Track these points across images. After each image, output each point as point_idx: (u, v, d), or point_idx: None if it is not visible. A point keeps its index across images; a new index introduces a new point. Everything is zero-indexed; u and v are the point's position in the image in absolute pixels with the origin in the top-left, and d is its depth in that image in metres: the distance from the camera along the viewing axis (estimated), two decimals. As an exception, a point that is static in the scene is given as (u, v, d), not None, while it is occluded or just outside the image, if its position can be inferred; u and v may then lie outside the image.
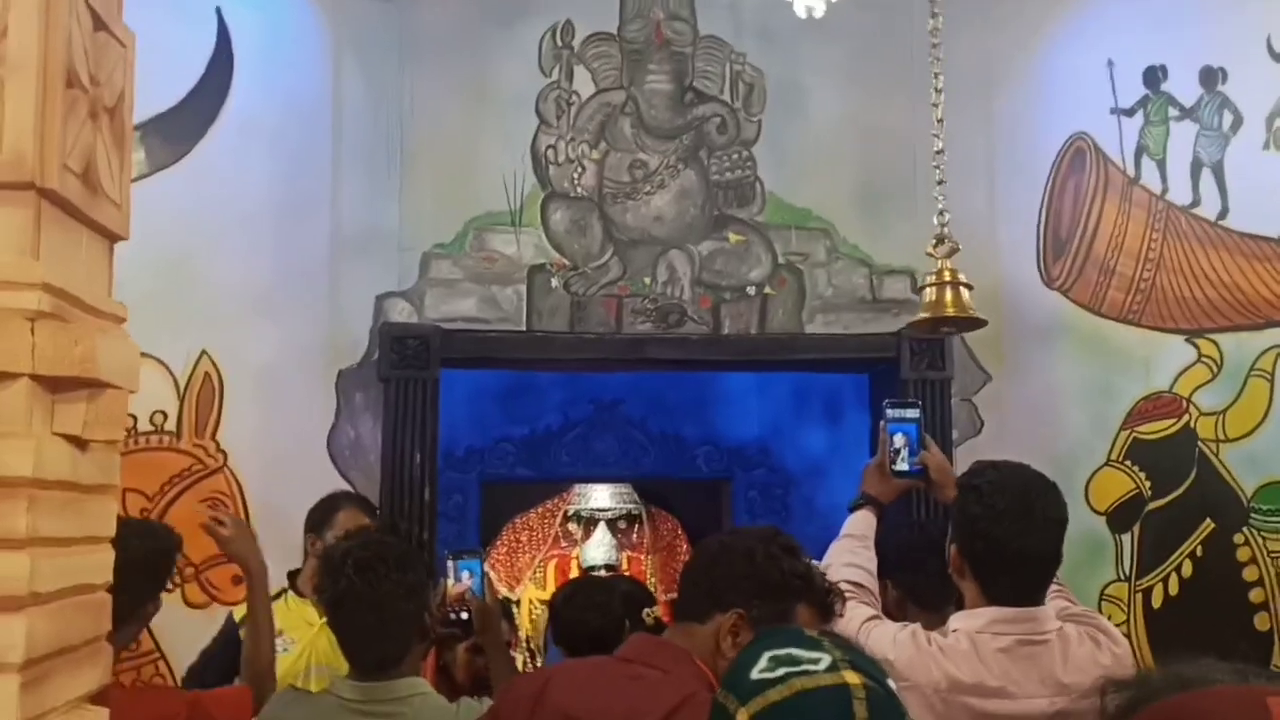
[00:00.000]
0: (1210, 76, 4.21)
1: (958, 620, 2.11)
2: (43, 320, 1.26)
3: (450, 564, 2.64)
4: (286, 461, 3.79)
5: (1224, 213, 4.21)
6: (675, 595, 6.49)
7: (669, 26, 4.10)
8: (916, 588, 2.64)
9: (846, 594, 2.04)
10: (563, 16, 4.05)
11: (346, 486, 3.79)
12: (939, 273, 2.59)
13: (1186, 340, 4.15)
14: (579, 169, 4.03)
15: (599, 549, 6.34)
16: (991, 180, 4.07)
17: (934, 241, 2.67)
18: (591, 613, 2.97)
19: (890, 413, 2.42)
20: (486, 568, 2.66)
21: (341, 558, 2.17)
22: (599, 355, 4.01)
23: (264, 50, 3.87)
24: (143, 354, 3.24)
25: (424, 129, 3.97)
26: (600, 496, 6.39)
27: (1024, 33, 4.21)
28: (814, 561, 2.01)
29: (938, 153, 2.77)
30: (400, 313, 3.91)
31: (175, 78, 3.75)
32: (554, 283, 3.97)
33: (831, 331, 4.05)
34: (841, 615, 1.97)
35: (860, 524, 2.41)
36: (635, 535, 6.42)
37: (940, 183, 2.78)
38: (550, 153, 4.02)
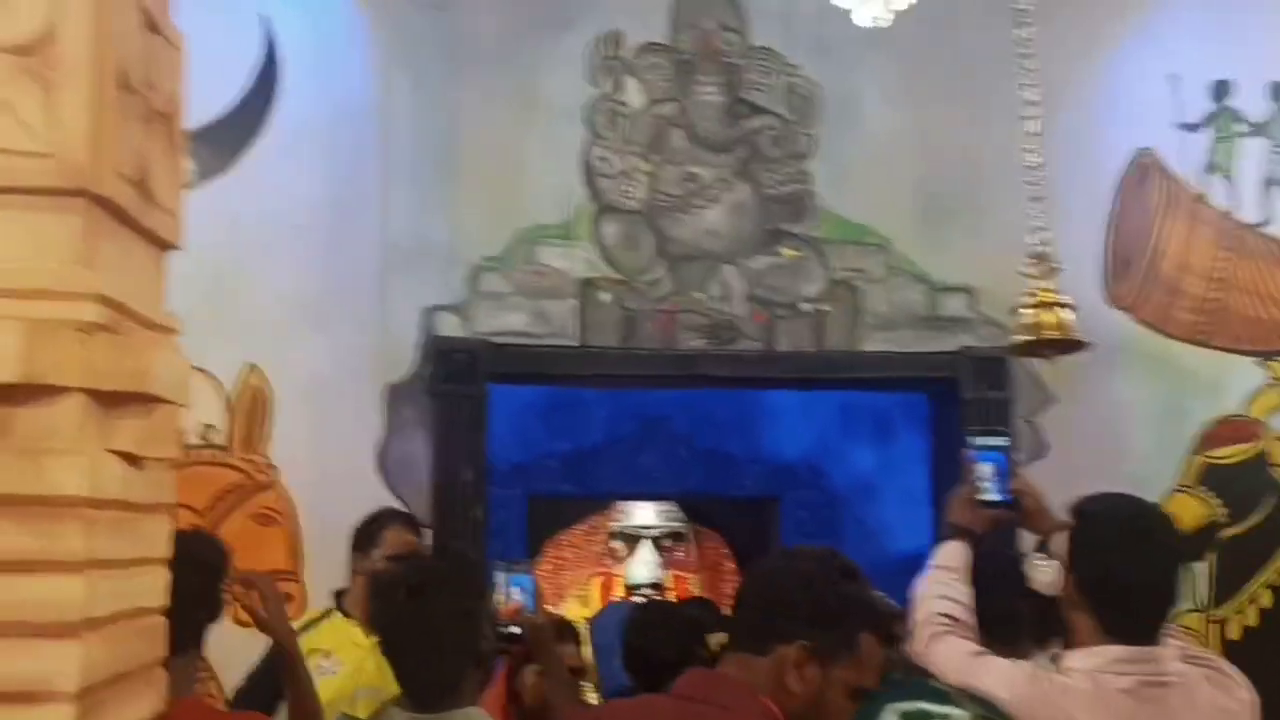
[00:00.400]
0: (1281, 91, 4.10)
1: (1075, 659, 2.01)
2: (96, 333, 1.21)
3: (502, 577, 2.54)
4: (336, 477, 3.74)
5: (1294, 231, 4.09)
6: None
7: (720, 38, 4.04)
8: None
9: (944, 628, 1.99)
10: (611, 25, 3.99)
11: (396, 503, 3.74)
12: (1038, 293, 2.47)
13: (1258, 362, 4.03)
14: (630, 182, 3.97)
15: (644, 567, 6.25)
16: (1052, 196, 3.94)
17: (1031, 260, 2.56)
18: (667, 643, 2.81)
19: (977, 440, 2.36)
20: (539, 582, 2.57)
21: (392, 581, 2.10)
22: (651, 372, 3.94)
23: (312, 58, 3.85)
24: (192, 367, 3.19)
25: (473, 139, 3.93)
26: (645, 514, 6.30)
27: (1085, 43, 4.10)
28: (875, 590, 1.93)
29: (1032, 168, 2.66)
30: (449, 326, 3.86)
31: (222, 85, 3.73)
32: (605, 297, 3.91)
33: (888, 350, 3.96)
34: (909, 643, 1.88)
35: (952, 555, 2.31)
36: (681, 553, 6.32)
37: (1036, 199, 2.67)
38: (601, 164, 3.96)
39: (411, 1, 3.95)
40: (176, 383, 1.43)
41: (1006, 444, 2.37)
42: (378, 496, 3.71)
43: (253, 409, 3.80)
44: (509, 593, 2.52)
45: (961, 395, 3.89)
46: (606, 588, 6.22)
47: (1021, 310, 2.47)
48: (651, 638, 2.87)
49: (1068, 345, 2.37)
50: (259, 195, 3.78)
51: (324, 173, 3.85)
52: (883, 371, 3.96)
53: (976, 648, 2.10)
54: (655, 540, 6.26)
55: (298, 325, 3.79)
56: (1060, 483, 3.00)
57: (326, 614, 3.20)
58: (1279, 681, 2.05)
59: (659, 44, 4.03)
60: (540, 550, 6.14)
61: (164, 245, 1.46)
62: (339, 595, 3.27)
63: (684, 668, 2.71)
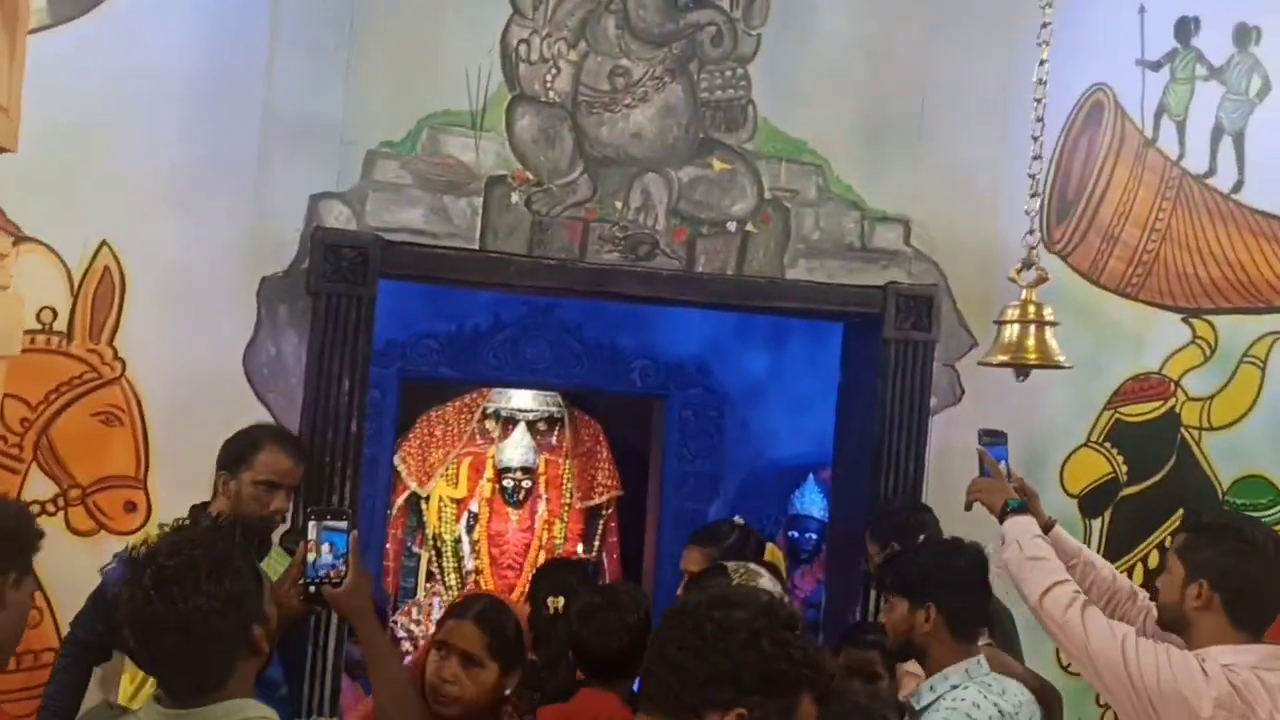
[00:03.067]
0: (1244, 35, 3.89)
1: (1226, 655, 2.23)
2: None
3: (312, 527, 2.26)
4: (195, 377, 3.34)
5: (1239, 185, 3.95)
6: (592, 501, 6.16)
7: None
8: (960, 614, 2.47)
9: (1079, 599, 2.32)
10: (545, -112, 3.50)
11: (262, 409, 3.37)
12: (1023, 305, 2.23)
13: (1183, 319, 3.92)
14: (553, 70, 3.54)
15: (517, 450, 6.03)
16: (1005, 128, 3.68)
17: (1019, 266, 2.31)
18: (615, 637, 2.69)
19: (986, 438, 2.77)
20: (354, 537, 2.27)
21: (140, 567, 1.78)
22: (558, 284, 3.60)
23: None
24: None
25: (380, 5, 3.43)
26: (522, 396, 6.03)
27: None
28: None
29: (1034, 138, 2.36)
30: (337, 217, 3.42)
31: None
32: (514, 198, 3.52)
33: (814, 279, 3.70)
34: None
35: (1028, 530, 2.58)
36: (555, 438, 6.11)
37: (1035, 185, 2.40)
38: (522, 48, 3.52)
39: None
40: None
41: (1006, 440, 2.76)
42: (242, 402, 3.35)
43: (101, 293, 3.33)
44: (320, 548, 2.24)
45: (883, 333, 3.67)
46: (476, 469, 5.98)
47: (1005, 323, 2.23)
48: (602, 635, 2.70)
49: (1047, 368, 2.18)
50: (124, 45, 3.27)
51: (201, 28, 3.33)
52: (806, 302, 3.71)
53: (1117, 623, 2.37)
54: (530, 423, 6.02)
55: (160, 201, 3.32)
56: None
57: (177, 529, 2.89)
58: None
59: (595, -86, 3.56)
60: (410, 424, 5.84)
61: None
62: (196, 510, 2.97)
63: (631, 661, 2.57)
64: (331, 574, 2.24)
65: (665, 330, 5.67)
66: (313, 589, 2.25)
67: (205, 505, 3.02)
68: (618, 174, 3.59)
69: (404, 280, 3.65)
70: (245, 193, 3.38)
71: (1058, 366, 2.21)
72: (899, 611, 2.46)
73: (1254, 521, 2.43)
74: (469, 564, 6.00)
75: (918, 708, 2.41)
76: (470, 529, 6.04)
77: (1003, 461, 2.72)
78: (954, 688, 2.38)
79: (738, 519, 3.80)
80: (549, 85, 3.53)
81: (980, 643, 2.54)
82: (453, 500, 6.06)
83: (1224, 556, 2.27)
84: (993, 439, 2.74)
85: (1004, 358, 2.25)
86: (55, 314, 3.29)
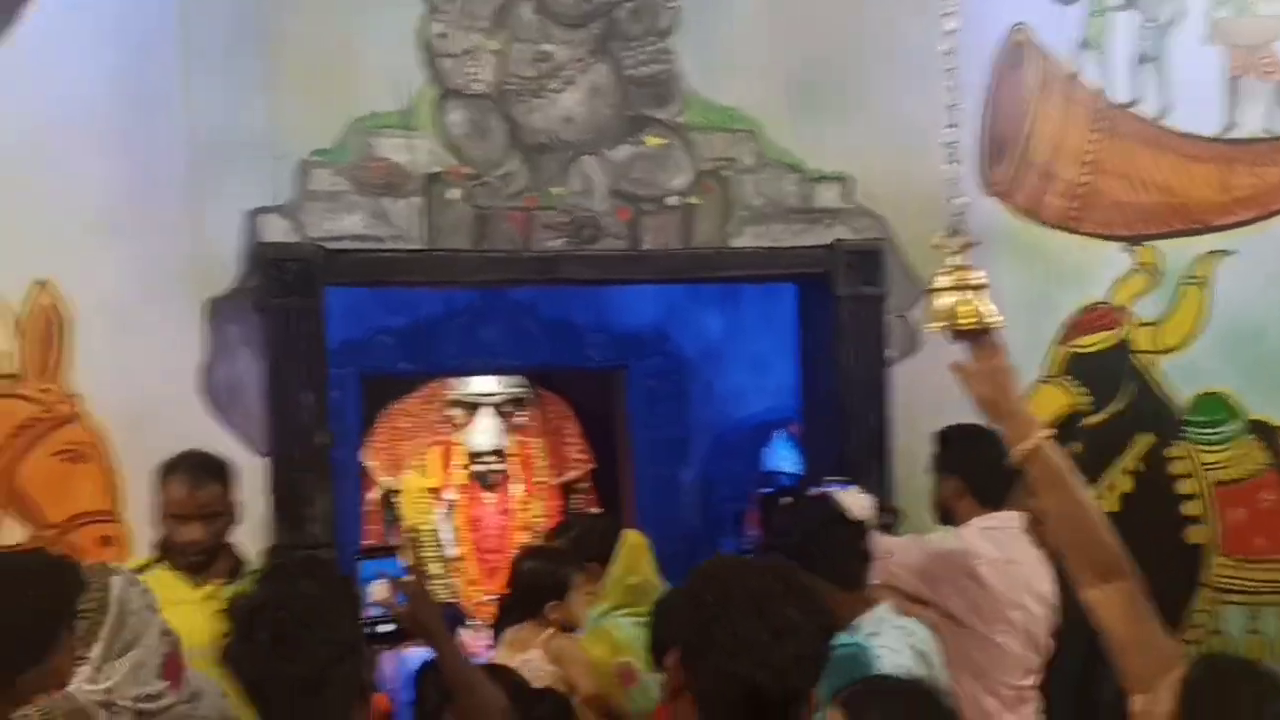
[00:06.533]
0: (1152, -40, 3.92)
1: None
2: None
3: (362, 566, 2.18)
4: (153, 406, 3.31)
5: (1164, 111, 3.98)
6: (565, 477, 6.10)
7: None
8: (979, 479, 2.95)
9: None
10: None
11: (226, 432, 3.36)
12: (953, 272, 2.26)
13: (1125, 248, 3.97)
14: (476, 62, 3.51)
15: (485, 435, 6.01)
16: (925, 77, 3.68)
17: (947, 231, 2.33)
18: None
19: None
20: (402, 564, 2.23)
21: (250, 620, 1.78)
22: (506, 276, 3.60)
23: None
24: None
25: (290, 16, 3.38)
26: (484, 381, 6.02)
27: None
28: None
29: (952, 107, 2.38)
30: (277, 231, 3.40)
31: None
32: (453, 194, 3.51)
33: (760, 245, 3.71)
34: None
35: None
36: (522, 418, 6.11)
37: (950, 146, 2.41)
38: (441, 43, 3.49)
39: None
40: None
41: None
42: (204, 427, 3.34)
43: (46, 333, 3.30)
44: (374, 586, 2.13)
45: (835, 291, 3.70)
46: (446, 456, 5.98)
47: (936, 292, 2.25)
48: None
49: (982, 331, 2.19)
50: (36, 78, 3.22)
51: (113, 56, 3.27)
52: (754, 269, 3.73)
53: None
54: (496, 407, 6.02)
55: (93, 236, 3.28)
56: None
57: (148, 565, 2.91)
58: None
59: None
60: (373, 422, 5.83)
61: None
62: (271, 550, 2.98)
63: None
64: (395, 609, 2.09)
65: (619, 303, 5.68)
66: (374, 630, 2.06)
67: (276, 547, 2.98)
68: (554, 160, 3.58)
69: (351, 287, 3.64)
70: (178, 217, 3.34)
71: (991, 329, 2.22)
72: None
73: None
74: (450, 551, 6.01)
75: None
76: (448, 517, 6.05)
77: None
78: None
79: None
80: (474, 77, 3.50)
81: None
82: (426, 490, 6.05)
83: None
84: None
85: (939, 324, 2.27)
86: (8, 358, 3.26)
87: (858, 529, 2.72)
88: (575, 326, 5.70)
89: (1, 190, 3.17)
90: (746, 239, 3.71)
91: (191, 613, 2.67)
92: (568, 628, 3.25)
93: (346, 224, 3.44)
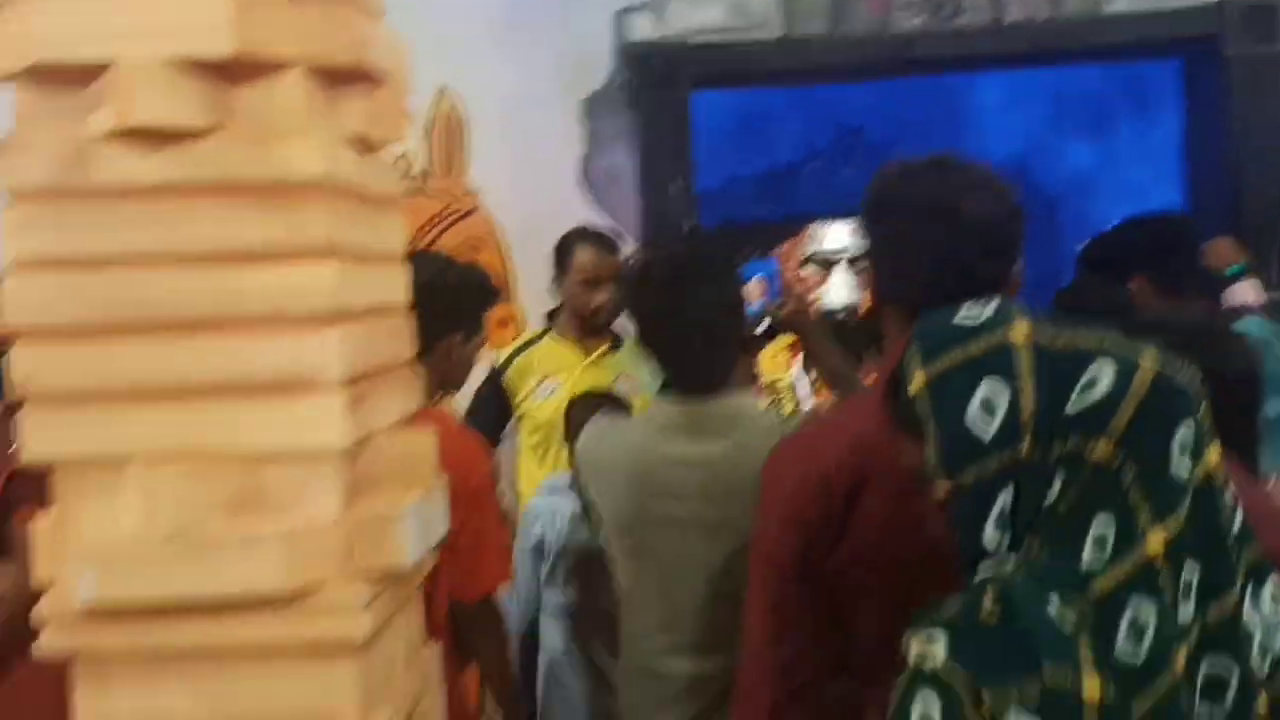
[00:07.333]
0: None
1: None
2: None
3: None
4: (540, 197, 3.59)
5: None
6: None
7: None
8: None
9: None
10: None
11: (605, 218, 3.58)
12: None
13: None
14: None
15: (840, 291, 5.99)
16: None
17: None
18: None
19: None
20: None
21: (644, 272, 1.91)
22: (863, 59, 3.58)
23: None
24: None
25: None
26: (836, 237, 6.01)
27: None
28: None
29: None
30: (643, 28, 3.57)
31: None
32: (809, -21, 3.53)
33: (1137, 9, 3.49)
34: None
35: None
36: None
37: None
38: None
39: None
40: (396, 59, 1.29)
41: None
42: (584, 214, 3.57)
43: (449, 135, 3.65)
44: (750, 283, 2.27)
45: (1224, 52, 3.42)
46: (800, 314, 6.04)
47: None
48: None
49: None
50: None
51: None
52: (1130, 36, 3.50)
53: None
54: (850, 261, 6.00)
55: (482, 44, 3.58)
56: None
57: (541, 335, 3.13)
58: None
59: None
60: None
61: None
62: (551, 316, 3.19)
63: None
64: (769, 306, 2.29)
65: (978, 138, 5.49)
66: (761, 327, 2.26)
67: (558, 310, 3.19)
68: (911, -64, 3.52)
69: (713, 85, 3.75)
70: (556, 22, 3.59)
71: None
72: None
73: None
74: (807, 405, 6.10)
75: None
76: (805, 371, 6.13)
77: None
78: None
79: None
80: None
81: None
82: (785, 347, 6.15)
83: None
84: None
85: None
86: (411, 161, 3.63)
87: None
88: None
89: (407, 4, 3.50)
90: (1122, 4, 3.49)
91: (580, 376, 2.93)
92: None
93: (706, 17, 3.56)
